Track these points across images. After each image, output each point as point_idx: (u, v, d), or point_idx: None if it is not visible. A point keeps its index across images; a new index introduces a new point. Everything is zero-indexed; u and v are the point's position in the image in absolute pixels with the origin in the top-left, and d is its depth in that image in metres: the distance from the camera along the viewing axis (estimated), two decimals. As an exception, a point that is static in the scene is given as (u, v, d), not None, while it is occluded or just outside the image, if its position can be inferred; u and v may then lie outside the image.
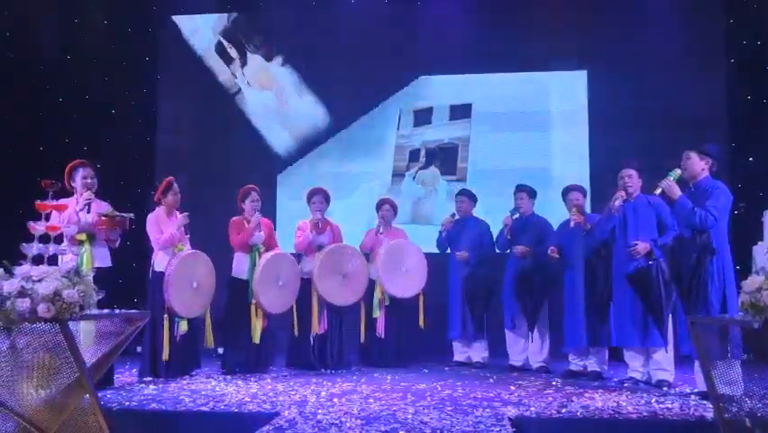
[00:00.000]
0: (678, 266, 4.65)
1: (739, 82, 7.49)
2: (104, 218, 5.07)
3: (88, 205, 5.13)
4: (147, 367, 5.66)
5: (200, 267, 5.74)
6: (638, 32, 7.73)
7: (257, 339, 5.93)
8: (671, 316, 5.17)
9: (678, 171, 4.84)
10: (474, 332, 6.45)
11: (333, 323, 6.27)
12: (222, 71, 8.55)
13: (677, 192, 4.73)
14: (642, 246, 5.23)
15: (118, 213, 5.18)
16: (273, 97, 8.49)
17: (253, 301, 5.91)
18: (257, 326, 5.93)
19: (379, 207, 6.83)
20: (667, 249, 4.71)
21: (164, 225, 5.75)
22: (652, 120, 7.49)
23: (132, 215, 5.24)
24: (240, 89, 8.54)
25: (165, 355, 5.56)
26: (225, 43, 8.60)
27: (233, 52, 8.58)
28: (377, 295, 6.47)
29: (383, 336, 6.47)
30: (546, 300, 6.14)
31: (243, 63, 8.56)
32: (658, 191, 4.82)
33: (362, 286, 6.40)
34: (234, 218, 6.17)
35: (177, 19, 8.68)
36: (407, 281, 6.52)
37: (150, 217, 5.81)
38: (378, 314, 6.47)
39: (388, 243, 6.55)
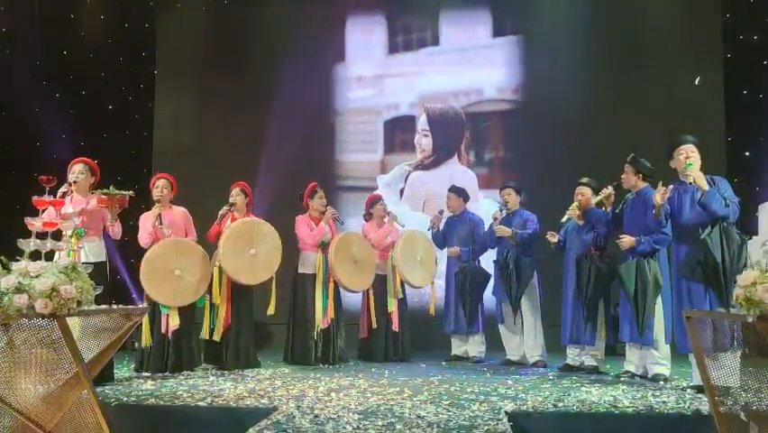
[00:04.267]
0: (722, 255, 4.63)
1: (736, 77, 7.50)
2: (102, 196, 4.97)
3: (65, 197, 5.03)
4: (136, 359, 5.74)
5: (185, 256, 5.58)
6: (635, 26, 7.74)
7: (217, 337, 5.81)
8: (660, 311, 5.18)
9: (694, 162, 4.85)
10: (467, 326, 6.47)
11: (334, 318, 6.26)
12: (219, 66, 8.54)
13: (706, 184, 4.73)
14: (627, 240, 5.25)
15: (117, 191, 5.06)
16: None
17: (216, 264, 5.79)
18: (219, 323, 5.82)
19: (372, 203, 6.82)
20: (713, 237, 4.67)
21: (148, 222, 5.74)
22: (649, 114, 7.50)
23: (131, 192, 5.05)
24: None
25: (144, 342, 5.57)
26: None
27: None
28: (390, 288, 6.49)
29: (397, 330, 6.50)
30: (537, 292, 6.19)
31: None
32: (690, 180, 4.80)
33: (372, 272, 6.44)
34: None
35: (173, 13, 8.66)
36: (423, 271, 6.58)
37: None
38: (393, 308, 6.49)
39: (403, 234, 6.60)
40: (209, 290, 5.80)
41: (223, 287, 5.85)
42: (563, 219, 5.75)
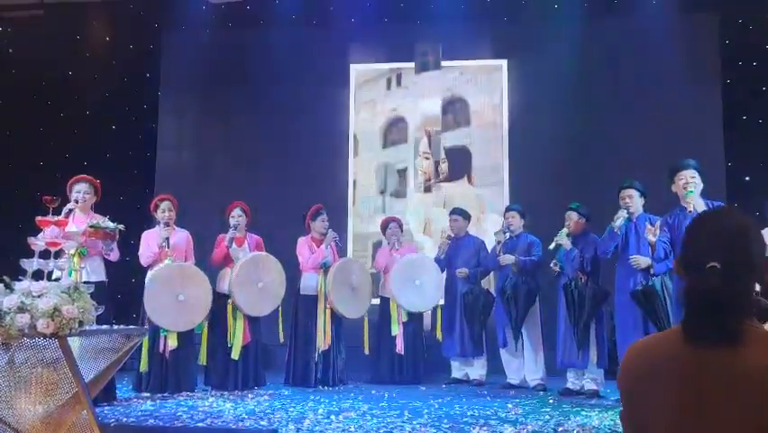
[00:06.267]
0: None
1: (735, 102, 7.55)
2: (90, 229, 5.00)
3: (69, 216, 5.02)
4: (134, 380, 5.73)
5: (189, 281, 5.58)
6: (633, 50, 7.80)
7: (236, 355, 5.82)
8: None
9: (695, 189, 4.87)
10: (473, 349, 6.45)
11: (334, 340, 6.25)
12: (223, 87, 8.60)
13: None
14: (642, 260, 5.25)
15: (110, 224, 5.02)
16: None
17: (229, 302, 5.83)
18: (237, 341, 5.82)
19: (385, 226, 6.85)
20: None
21: (152, 242, 5.76)
22: (648, 139, 7.53)
23: (122, 226, 5.05)
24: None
25: (142, 366, 5.57)
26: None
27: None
28: (394, 311, 6.48)
29: (402, 354, 6.47)
30: (538, 316, 6.19)
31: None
32: (690, 207, 4.83)
33: (369, 298, 6.45)
34: (221, 234, 6.17)
35: (177, 34, 8.74)
36: (422, 296, 6.51)
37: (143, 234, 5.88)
38: (397, 331, 6.47)
39: (402, 259, 6.59)
40: (208, 317, 5.79)
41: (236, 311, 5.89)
42: (551, 246, 5.79)
